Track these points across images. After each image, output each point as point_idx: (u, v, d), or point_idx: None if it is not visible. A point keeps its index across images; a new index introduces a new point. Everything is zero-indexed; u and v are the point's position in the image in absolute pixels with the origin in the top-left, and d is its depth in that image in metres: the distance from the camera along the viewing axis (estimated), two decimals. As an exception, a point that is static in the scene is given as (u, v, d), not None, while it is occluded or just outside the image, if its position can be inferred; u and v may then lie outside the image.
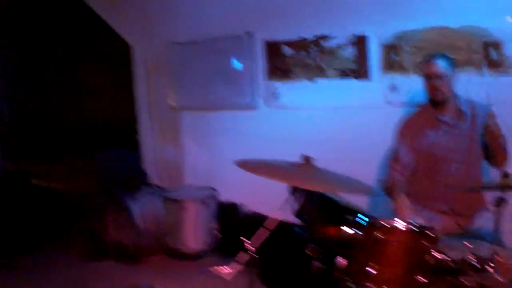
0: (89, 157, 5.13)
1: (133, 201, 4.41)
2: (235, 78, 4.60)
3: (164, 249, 4.45)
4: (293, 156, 4.12)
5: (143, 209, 4.40)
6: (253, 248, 2.81)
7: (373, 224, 2.16)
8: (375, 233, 2.13)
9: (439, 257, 2.09)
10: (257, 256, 4.02)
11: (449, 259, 2.10)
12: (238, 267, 3.95)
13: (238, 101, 4.60)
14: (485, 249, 2.24)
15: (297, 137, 4.27)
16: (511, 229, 2.58)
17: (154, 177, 5.20)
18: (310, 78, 4.27)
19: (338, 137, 4.12)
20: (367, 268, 2.09)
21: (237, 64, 4.55)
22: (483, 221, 2.97)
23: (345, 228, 2.27)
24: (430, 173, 3.15)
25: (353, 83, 4.08)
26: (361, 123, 4.04)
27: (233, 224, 4.43)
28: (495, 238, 2.44)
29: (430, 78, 3.07)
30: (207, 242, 4.40)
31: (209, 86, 4.74)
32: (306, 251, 2.50)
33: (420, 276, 2.04)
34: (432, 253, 2.09)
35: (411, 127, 3.26)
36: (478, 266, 2.09)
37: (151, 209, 4.44)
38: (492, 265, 2.09)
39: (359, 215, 2.27)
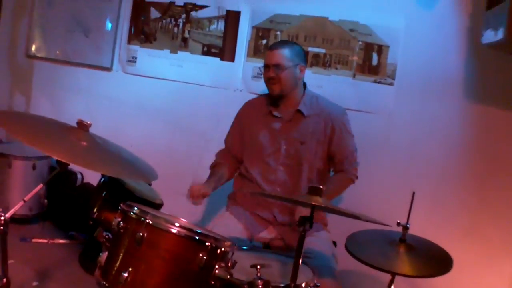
0: None
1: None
2: (99, 37, 4.16)
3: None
4: (138, 125, 3.89)
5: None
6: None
7: (139, 218, 1.77)
8: (139, 230, 1.73)
9: (221, 275, 1.74)
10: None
11: (235, 278, 1.76)
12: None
13: (96, 61, 4.16)
14: (302, 277, 1.92)
15: (148, 106, 4.01)
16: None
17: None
18: (172, 49, 3.90)
19: (187, 115, 3.91)
20: (121, 270, 1.72)
21: (108, 25, 4.13)
22: (318, 241, 2.59)
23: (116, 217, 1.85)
24: (256, 173, 2.82)
25: (215, 62, 3.76)
26: (215, 105, 3.77)
27: (64, 192, 3.98)
28: (310, 262, 2.20)
29: (267, 68, 2.72)
30: (32, 207, 3.91)
31: (70, 40, 4.27)
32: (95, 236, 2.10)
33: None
34: (215, 269, 1.75)
35: (246, 111, 2.96)
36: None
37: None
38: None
39: (128, 202, 1.86)
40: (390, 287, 2.05)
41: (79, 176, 4.15)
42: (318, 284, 1.99)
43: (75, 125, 2.05)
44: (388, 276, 2.03)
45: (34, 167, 3.86)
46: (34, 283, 3.06)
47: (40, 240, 3.71)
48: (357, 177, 2.86)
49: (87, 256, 3.45)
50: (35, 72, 4.45)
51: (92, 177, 3.93)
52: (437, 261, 2.01)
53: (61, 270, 3.32)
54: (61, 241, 3.79)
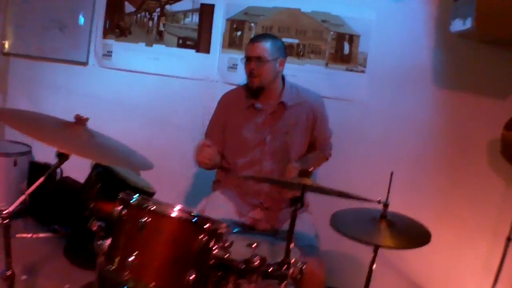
0: None
1: None
2: (74, 32, 4.19)
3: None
4: (118, 120, 3.95)
5: None
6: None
7: (141, 205, 1.85)
8: (142, 216, 1.81)
9: (220, 254, 1.85)
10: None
11: (231, 258, 1.87)
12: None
13: (72, 56, 4.20)
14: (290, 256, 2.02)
15: (125, 99, 4.08)
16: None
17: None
18: (147, 42, 3.97)
19: (165, 107, 4.00)
20: (127, 255, 1.80)
21: (81, 20, 4.16)
22: (302, 222, 2.69)
23: (116, 206, 1.95)
24: (241, 165, 2.93)
25: (191, 55, 3.86)
26: (192, 96, 3.86)
27: (44, 186, 3.99)
28: (295, 241, 2.29)
29: (249, 60, 2.82)
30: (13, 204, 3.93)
31: (45, 36, 4.28)
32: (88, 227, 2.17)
33: (193, 271, 1.79)
34: (213, 249, 1.85)
35: (226, 106, 3.04)
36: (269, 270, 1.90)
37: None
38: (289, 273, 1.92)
39: (127, 191, 1.95)
40: (374, 260, 2.19)
41: (58, 170, 4.18)
42: (305, 261, 2.13)
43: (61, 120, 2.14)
44: (367, 256, 2.17)
45: (15, 163, 3.88)
46: (23, 277, 3.11)
47: (24, 235, 3.75)
48: (330, 155, 3.09)
49: (72, 249, 3.51)
50: (11, 69, 4.45)
51: (72, 171, 3.99)
52: (417, 233, 2.15)
53: (47, 263, 3.36)
54: (44, 235, 3.83)
